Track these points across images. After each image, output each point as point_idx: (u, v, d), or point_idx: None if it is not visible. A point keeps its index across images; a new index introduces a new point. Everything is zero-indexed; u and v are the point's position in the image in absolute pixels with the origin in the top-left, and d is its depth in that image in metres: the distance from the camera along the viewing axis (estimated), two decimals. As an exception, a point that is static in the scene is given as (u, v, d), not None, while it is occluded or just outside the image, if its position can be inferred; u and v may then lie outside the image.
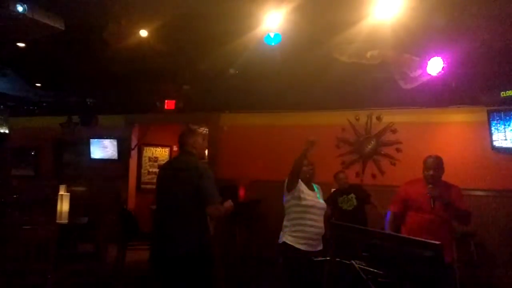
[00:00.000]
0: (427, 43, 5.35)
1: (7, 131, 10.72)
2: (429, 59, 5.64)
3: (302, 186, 3.83)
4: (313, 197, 3.86)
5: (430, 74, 5.72)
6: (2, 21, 3.60)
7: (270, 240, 5.48)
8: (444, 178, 3.94)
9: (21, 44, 5.42)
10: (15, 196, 8.27)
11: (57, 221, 4.59)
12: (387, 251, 2.33)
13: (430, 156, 3.99)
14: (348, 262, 2.58)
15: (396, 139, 7.36)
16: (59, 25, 4.08)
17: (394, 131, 7.41)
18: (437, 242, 2.19)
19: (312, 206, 3.79)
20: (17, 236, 4.05)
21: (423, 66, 5.75)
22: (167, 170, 3.71)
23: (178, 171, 3.50)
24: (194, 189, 3.34)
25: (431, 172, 3.83)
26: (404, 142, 7.24)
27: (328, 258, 3.35)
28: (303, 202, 3.76)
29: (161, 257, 3.42)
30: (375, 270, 2.39)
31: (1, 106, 9.99)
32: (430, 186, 3.76)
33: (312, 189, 3.96)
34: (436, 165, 3.86)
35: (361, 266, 2.47)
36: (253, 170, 8.07)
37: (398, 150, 7.25)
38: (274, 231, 4.21)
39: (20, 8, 3.51)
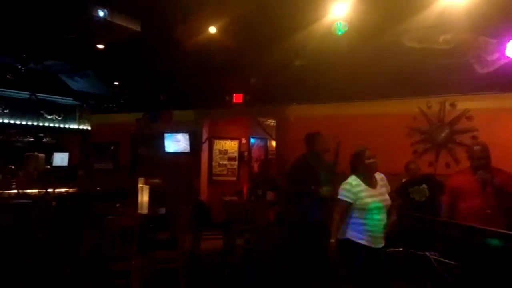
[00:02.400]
0: (505, 24, 5.05)
1: (89, 128, 11.55)
2: (507, 41, 5.32)
3: (361, 187, 3.64)
4: (374, 196, 3.63)
5: (509, 57, 5.40)
6: (86, 26, 3.90)
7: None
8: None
9: (100, 46, 5.81)
10: (98, 188, 8.91)
11: (138, 212, 4.90)
12: (464, 242, 2.28)
13: (477, 144, 4.06)
14: (421, 253, 2.54)
15: (472, 127, 6.99)
16: (135, 27, 4.34)
17: (469, 118, 7.04)
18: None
19: (374, 207, 3.59)
20: (103, 225, 4.37)
21: (501, 48, 5.44)
22: (309, 164, 5.03)
23: (319, 164, 4.96)
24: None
25: (482, 161, 3.84)
26: (481, 129, 6.85)
27: (400, 249, 3.27)
28: (363, 206, 3.58)
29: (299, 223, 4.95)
30: (450, 262, 2.35)
31: (84, 105, 10.76)
32: (480, 171, 3.76)
33: (374, 184, 3.71)
34: (484, 153, 3.88)
35: (435, 257, 2.43)
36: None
37: (474, 137, 6.87)
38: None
39: (101, 13, 3.78)
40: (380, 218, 3.58)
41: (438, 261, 2.38)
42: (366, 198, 3.57)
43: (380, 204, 3.59)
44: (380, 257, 3.50)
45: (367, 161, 3.67)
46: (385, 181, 3.80)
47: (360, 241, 3.59)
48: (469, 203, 3.82)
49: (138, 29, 4.55)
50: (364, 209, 3.57)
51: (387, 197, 3.69)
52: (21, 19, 4.85)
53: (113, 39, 4.80)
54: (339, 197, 3.66)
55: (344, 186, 3.68)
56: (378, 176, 3.78)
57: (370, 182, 3.67)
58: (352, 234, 3.64)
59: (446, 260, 2.34)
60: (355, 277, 3.67)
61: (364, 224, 3.60)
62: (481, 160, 3.83)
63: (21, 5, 4.43)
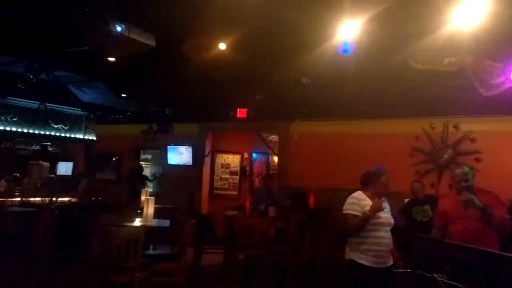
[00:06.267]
0: (511, 49, 5.14)
1: (94, 138, 11.61)
2: (513, 66, 5.41)
3: (367, 201, 3.66)
4: (383, 213, 3.64)
5: (514, 81, 5.48)
6: (102, 40, 3.97)
7: (339, 248, 5.42)
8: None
9: (111, 59, 5.89)
10: (100, 198, 8.92)
11: (143, 223, 4.92)
12: (472, 265, 2.31)
13: (459, 167, 4.30)
14: (429, 275, 2.56)
15: (475, 149, 7.05)
16: (150, 42, 4.41)
17: (473, 140, 7.11)
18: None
19: (381, 224, 3.61)
20: (108, 236, 4.37)
21: (506, 72, 5.52)
22: None
23: None
24: None
25: (462, 184, 3.91)
26: (484, 151, 6.91)
27: (408, 270, 3.28)
28: (374, 221, 3.58)
29: None
30: (459, 285, 2.37)
31: (91, 115, 10.86)
32: (463, 193, 3.82)
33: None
34: (466, 177, 3.96)
35: (443, 280, 2.45)
36: (323, 178, 8.08)
37: (477, 160, 6.94)
38: (343, 240, 4.20)
39: (118, 28, 3.86)
40: (383, 236, 3.60)
41: (447, 283, 2.39)
42: (378, 214, 3.59)
43: (385, 221, 3.63)
44: (385, 277, 3.51)
45: (384, 180, 3.72)
46: (388, 205, 3.80)
47: (362, 262, 3.59)
48: (455, 226, 3.89)
49: (153, 44, 4.62)
50: (370, 225, 3.58)
51: (390, 216, 3.73)
52: (36, 31, 4.95)
53: (127, 53, 4.88)
54: (346, 211, 3.69)
55: (351, 200, 3.71)
56: (383, 199, 3.76)
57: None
58: (354, 255, 3.65)
59: (455, 283, 2.35)
60: None
61: (366, 243, 3.59)
62: (462, 182, 3.92)
63: (37, 17, 4.52)
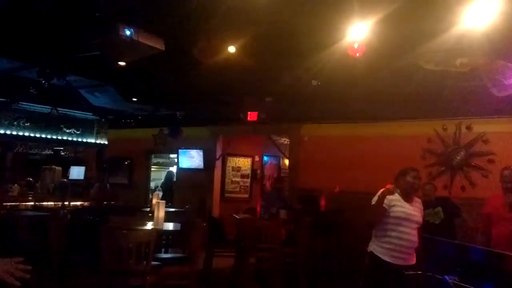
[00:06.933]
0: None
1: (106, 142, 11.71)
2: (526, 66, 5.32)
3: (395, 196, 3.70)
4: (407, 209, 3.69)
5: (527, 82, 5.39)
6: (111, 44, 4.01)
7: (352, 252, 5.42)
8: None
9: (121, 63, 5.92)
10: (112, 202, 8.99)
11: (154, 227, 4.94)
12: (485, 267, 2.28)
13: (506, 168, 4.15)
14: (439, 276, 2.54)
15: (488, 150, 6.95)
16: (160, 46, 4.43)
17: (486, 142, 7.01)
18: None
19: (404, 219, 3.63)
20: (119, 239, 4.40)
21: (519, 73, 5.44)
22: None
23: None
24: None
25: (508, 185, 3.90)
26: (498, 153, 6.81)
27: (419, 272, 3.26)
28: (395, 214, 3.64)
29: None
30: (470, 287, 2.34)
31: (102, 120, 10.96)
32: (509, 194, 3.82)
33: (410, 201, 3.78)
34: None
35: (454, 281, 2.42)
36: (334, 181, 8.05)
37: (490, 161, 6.85)
38: (355, 243, 4.20)
39: (127, 32, 3.89)
40: (405, 231, 3.63)
41: (458, 285, 2.37)
42: (397, 207, 3.66)
43: (411, 218, 3.66)
44: (402, 275, 3.49)
45: (409, 179, 3.74)
46: (421, 207, 3.87)
47: (380, 256, 3.63)
48: (499, 228, 3.83)
49: (163, 48, 4.64)
50: (393, 219, 3.63)
51: (419, 215, 3.76)
52: (47, 36, 5.01)
53: (136, 58, 4.90)
54: (373, 202, 3.74)
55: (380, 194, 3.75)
56: (416, 199, 3.87)
57: (407, 198, 3.76)
58: (374, 248, 3.70)
59: (466, 285, 2.32)
60: None
61: (387, 236, 3.64)
62: (507, 183, 3.86)
63: (47, 21, 4.58)
